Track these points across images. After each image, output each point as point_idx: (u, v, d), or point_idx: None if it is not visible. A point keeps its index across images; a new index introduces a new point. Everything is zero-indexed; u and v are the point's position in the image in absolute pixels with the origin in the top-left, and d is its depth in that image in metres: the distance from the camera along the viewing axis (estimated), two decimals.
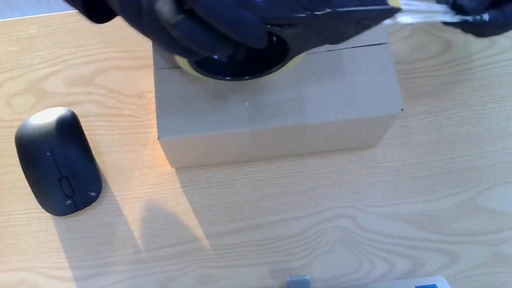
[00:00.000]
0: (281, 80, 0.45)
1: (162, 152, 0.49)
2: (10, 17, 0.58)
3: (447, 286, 0.47)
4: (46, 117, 0.52)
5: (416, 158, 0.54)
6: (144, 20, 0.30)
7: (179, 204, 0.52)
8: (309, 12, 0.31)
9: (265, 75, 0.41)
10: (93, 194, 0.51)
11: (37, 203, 0.51)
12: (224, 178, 0.53)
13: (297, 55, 0.37)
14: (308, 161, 0.53)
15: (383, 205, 0.52)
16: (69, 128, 0.51)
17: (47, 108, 0.54)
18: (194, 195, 0.52)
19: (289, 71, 0.45)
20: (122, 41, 0.57)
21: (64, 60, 0.57)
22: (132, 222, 0.51)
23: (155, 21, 0.29)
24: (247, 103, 0.44)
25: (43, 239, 0.51)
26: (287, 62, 0.38)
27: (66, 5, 0.39)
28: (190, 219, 0.52)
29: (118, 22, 0.58)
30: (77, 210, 0.51)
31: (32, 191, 0.51)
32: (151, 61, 0.46)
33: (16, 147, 0.52)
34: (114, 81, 0.56)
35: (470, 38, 0.57)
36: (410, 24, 0.38)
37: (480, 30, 0.46)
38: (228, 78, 0.41)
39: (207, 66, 0.40)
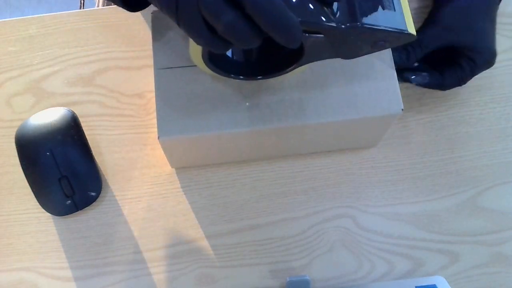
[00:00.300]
0: (281, 80, 0.45)
1: (162, 152, 0.49)
2: (10, 17, 0.58)
3: (447, 286, 0.47)
4: (46, 117, 0.52)
5: (416, 158, 0.54)
6: (181, 8, 0.31)
7: (179, 204, 0.52)
8: (339, 23, 0.33)
9: (276, 76, 0.41)
10: (93, 194, 0.51)
11: (37, 203, 0.51)
12: (224, 178, 0.53)
13: (309, 62, 0.39)
14: (308, 161, 0.53)
15: (383, 205, 0.52)
16: (69, 128, 0.51)
17: (47, 108, 0.54)
18: (194, 195, 0.52)
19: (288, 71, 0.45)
20: (122, 41, 0.57)
21: (64, 60, 0.57)
22: (132, 222, 0.51)
23: (194, 9, 0.30)
24: (247, 103, 0.44)
25: (43, 239, 0.51)
26: (298, 67, 0.39)
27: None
28: (190, 219, 0.52)
29: (119, 22, 0.58)
30: (77, 210, 0.51)
31: (32, 191, 0.51)
32: (151, 61, 0.46)
33: (16, 147, 0.52)
34: (114, 81, 0.56)
35: None
36: None
37: (435, 87, 0.53)
38: (241, 77, 0.42)
39: (221, 65, 0.41)
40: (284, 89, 0.45)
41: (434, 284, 0.47)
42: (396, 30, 0.35)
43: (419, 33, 0.50)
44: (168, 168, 0.53)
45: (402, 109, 0.45)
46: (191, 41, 0.40)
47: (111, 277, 0.50)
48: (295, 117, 0.44)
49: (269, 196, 0.52)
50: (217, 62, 0.40)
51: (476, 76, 0.56)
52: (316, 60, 0.38)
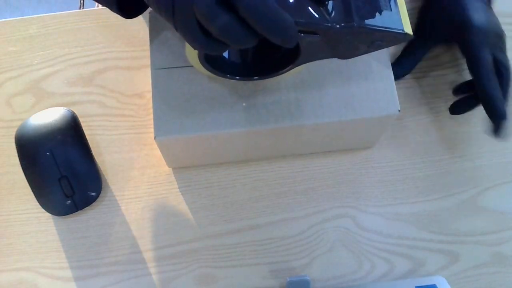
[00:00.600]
0: (278, 80, 0.45)
1: None
2: (10, 17, 0.58)
3: (447, 286, 0.47)
4: (46, 117, 0.52)
5: (416, 158, 0.54)
6: (177, 12, 0.31)
7: (179, 204, 0.52)
8: (334, 23, 0.33)
9: (272, 77, 0.41)
10: (93, 194, 0.51)
11: (37, 203, 0.51)
12: (224, 178, 0.53)
13: (306, 62, 0.39)
14: (308, 161, 0.53)
15: (383, 205, 0.52)
16: (69, 128, 0.51)
17: (47, 108, 0.54)
18: (194, 195, 0.52)
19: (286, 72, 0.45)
20: (122, 41, 0.57)
21: (64, 60, 0.57)
22: (132, 222, 0.51)
23: (189, 13, 0.30)
24: (243, 104, 0.44)
25: (43, 239, 0.51)
26: (294, 67, 0.39)
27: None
28: (190, 219, 0.52)
29: (119, 22, 0.58)
30: (77, 210, 0.51)
31: (32, 191, 0.51)
32: None
33: (16, 147, 0.52)
34: (114, 81, 0.56)
35: None
36: None
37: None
38: (237, 77, 0.42)
39: (217, 65, 0.41)
40: (281, 89, 0.45)
41: (434, 284, 0.47)
42: (392, 30, 0.35)
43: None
44: (168, 168, 0.53)
45: (399, 110, 0.45)
46: None
47: (111, 277, 0.50)
48: (292, 118, 0.44)
49: (269, 196, 0.52)
50: (213, 62, 0.40)
51: None
52: (312, 60, 0.38)
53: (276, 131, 0.45)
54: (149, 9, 0.42)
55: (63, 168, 0.50)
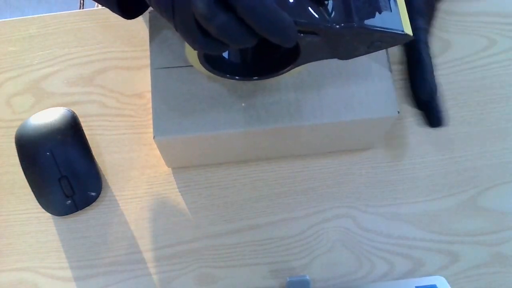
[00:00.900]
0: (277, 81, 0.45)
1: None
2: (10, 17, 0.58)
3: (447, 286, 0.47)
4: (46, 117, 0.52)
5: (416, 158, 0.54)
6: (177, 12, 0.31)
7: (179, 204, 0.52)
8: (334, 24, 0.33)
9: (272, 77, 0.41)
10: (93, 194, 0.51)
11: (37, 203, 0.51)
12: (224, 178, 0.53)
13: (306, 63, 0.39)
14: (308, 161, 0.53)
15: (383, 205, 0.52)
16: (69, 128, 0.51)
17: (47, 108, 0.54)
18: (194, 195, 0.52)
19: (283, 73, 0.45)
20: (122, 41, 0.57)
21: (64, 60, 0.57)
22: (132, 222, 0.51)
23: (188, 13, 0.30)
24: (243, 104, 0.44)
25: (43, 239, 0.51)
26: (294, 67, 0.39)
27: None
28: (190, 219, 0.52)
29: (119, 22, 0.58)
30: (77, 210, 0.51)
31: (32, 191, 0.51)
32: None
33: (16, 147, 0.52)
34: (114, 81, 0.56)
35: (470, 38, 0.57)
36: None
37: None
38: (237, 77, 0.42)
39: (217, 65, 0.41)
40: (281, 89, 0.45)
41: (434, 284, 0.47)
42: (392, 31, 0.35)
43: None
44: (168, 168, 0.53)
45: (398, 112, 0.45)
46: None
47: (111, 277, 0.50)
48: (291, 118, 0.44)
49: (269, 196, 0.52)
50: (213, 62, 0.40)
51: (476, 76, 0.56)
52: (312, 61, 0.38)
53: (275, 131, 0.45)
54: (150, 9, 0.42)
55: (63, 168, 0.50)
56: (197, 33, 0.31)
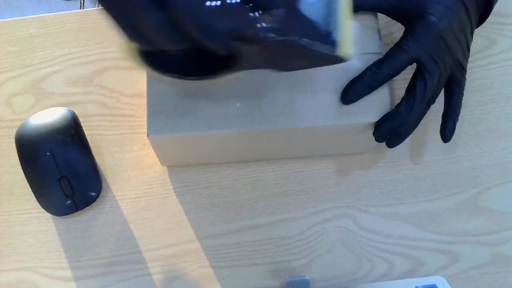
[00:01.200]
0: (273, 82, 0.45)
1: None
2: (10, 17, 0.58)
3: (447, 286, 0.47)
4: (46, 117, 0.52)
5: (416, 158, 0.54)
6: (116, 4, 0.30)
7: (179, 204, 0.52)
8: (269, 35, 0.31)
9: (210, 79, 0.40)
10: (93, 194, 0.51)
11: (37, 203, 0.51)
12: (224, 178, 0.53)
13: (244, 70, 0.38)
14: (308, 161, 0.53)
15: (383, 205, 0.52)
16: (69, 128, 0.51)
17: (47, 108, 0.54)
18: (194, 195, 0.52)
19: (282, 74, 0.45)
20: (122, 41, 0.57)
21: (64, 60, 0.57)
22: (132, 222, 0.51)
23: (125, 6, 0.29)
24: (238, 104, 0.44)
25: (43, 239, 0.51)
26: (231, 73, 0.38)
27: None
28: (190, 219, 0.52)
29: None
30: (77, 210, 0.51)
31: (32, 191, 0.51)
32: None
33: (16, 147, 0.52)
34: (114, 81, 0.56)
35: None
36: None
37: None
38: (176, 75, 0.40)
39: (156, 62, 0.39)
40: (276, 91, 0.45)
41: (434, 284, 0.47)
42: (326, 51, 0.34)
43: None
44: (168, 168, 0.53)
45: None
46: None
47: (111, 277, 0.50)
48: (285, 120, 0.44)
49: (269, 196, 0.52)
50: (151, 58, 0.38)
51: (476, 76, 0.56)
52: (251, 69, 0.38)
53: (269, 132, 0.45)
54: None
55: (63, 168, 0.50)
56: (133, 27, 0.30)
